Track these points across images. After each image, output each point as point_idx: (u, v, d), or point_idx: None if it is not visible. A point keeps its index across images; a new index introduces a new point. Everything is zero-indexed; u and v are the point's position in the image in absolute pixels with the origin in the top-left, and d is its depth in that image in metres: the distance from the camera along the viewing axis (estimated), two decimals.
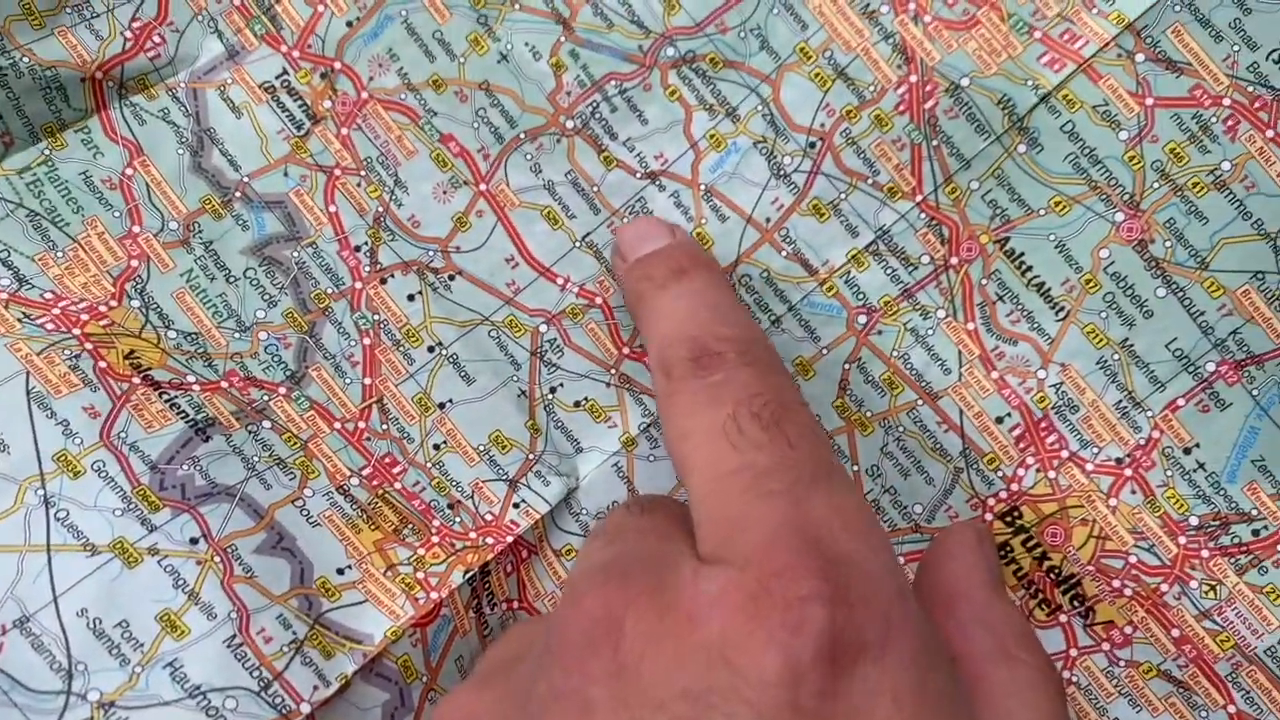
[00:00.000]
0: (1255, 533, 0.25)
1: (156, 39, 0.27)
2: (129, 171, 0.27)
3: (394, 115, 0.28)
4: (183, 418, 0.25)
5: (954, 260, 0.27)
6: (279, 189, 0.28)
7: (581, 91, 0.28)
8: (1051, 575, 0.26)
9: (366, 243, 0.28)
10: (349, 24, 0.28)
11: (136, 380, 0.25)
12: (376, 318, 0.28)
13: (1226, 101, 0.25)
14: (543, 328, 0.28)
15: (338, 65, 0.28)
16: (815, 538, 0.20)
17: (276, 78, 0.28)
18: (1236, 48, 0.25)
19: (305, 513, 0.26)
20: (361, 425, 0.27)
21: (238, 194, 0.28)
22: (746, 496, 0.20)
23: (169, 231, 0.27)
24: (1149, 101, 0.26)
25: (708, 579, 0.19)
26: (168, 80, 0.28)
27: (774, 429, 0.21)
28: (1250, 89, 0.25)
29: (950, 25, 0.27)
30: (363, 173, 0.28)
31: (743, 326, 0.24)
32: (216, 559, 0.24)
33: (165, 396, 0.25)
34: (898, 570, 0.20)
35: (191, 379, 0.26)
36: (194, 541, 0.24)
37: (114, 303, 0.27)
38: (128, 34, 0.27)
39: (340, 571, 0.25)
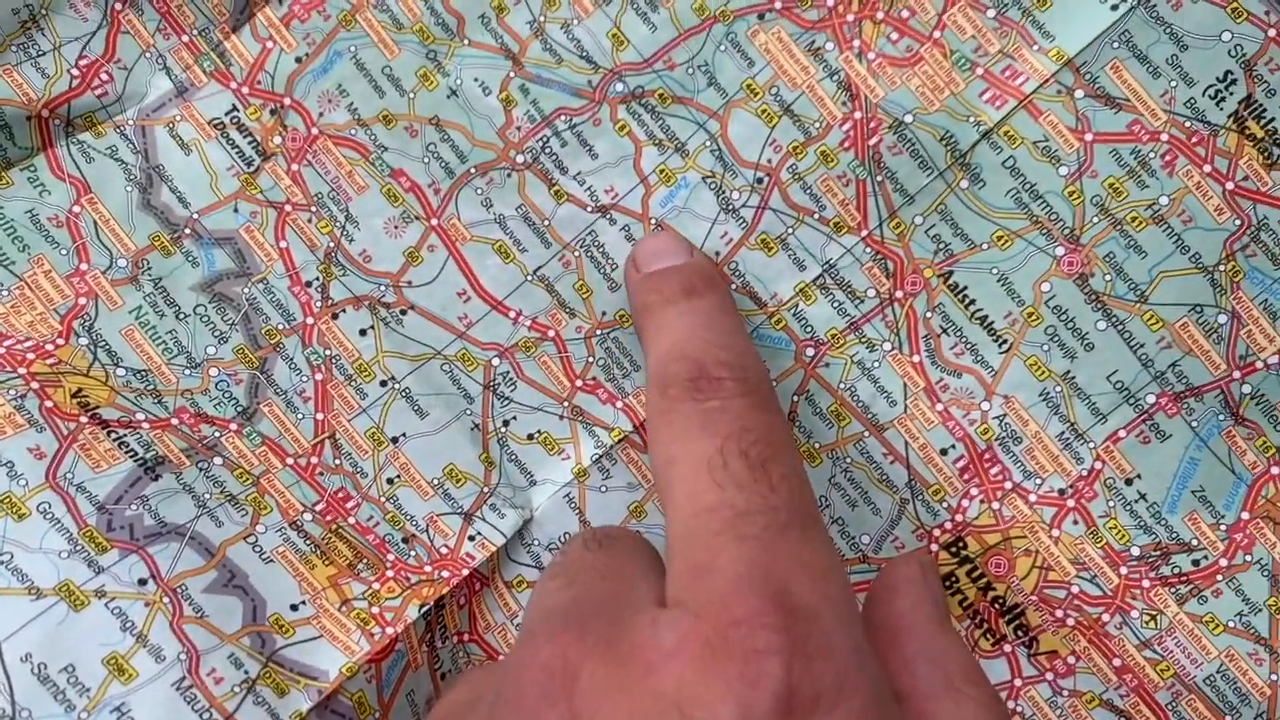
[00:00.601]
0: (1195, 563, 0.26)
1: (104, 76, 0.27)
2: (76, 209, 0.27)
3: (344, 151, 0.28)
4: (131, 456, 0.25)
5: (899, 294, 0.27)
6: (229, 225, 0.28)
7: (531, 126, 0.28)
8: (996, 605, 0.26)
9: (318, 278, 0.28)
10: (298, 60, 0.28)
11: (84, 419, 0.25)
12: (328, 353, 0.28)
13: (1164, 137, 0.26)
14: (495, 361, 0.28)
15: (287, 101, 0.28)
16: (780, 588, 0.20)
17: (226, 114, 0.28)
18: (1174, 83, 0.26)
19: (258, 549, 0.26)
20: (314, 460, 0.27)
21: (187, 230, 0.28)
22: (720, 538, 0.21)
23: (117, 269, 0.27)
24: (1088, 137, 0.26)
25: (667, 626, 0.19)
26: (115, 118, 0.28)
27: (759, 470, 0.22)
28: (1187, 124, 0.26)
29: (894, 62, 0.27)
30: (313, 208, 0.28)
31: (745, 355, 0.24)
32: (165, 600, 0.24)
33: (114, 435, 0.25)
34: (854, 623, 0.20)
35: (141, 416, 0.26)
36: (142, 582, 0.24)
37: (61, 341, 0.26)
38: (74, 71, 0.27)
39: (294, 607, 0.25)
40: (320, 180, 0.28)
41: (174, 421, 0.26)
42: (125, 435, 0.26)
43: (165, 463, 0.26)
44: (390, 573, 0.26)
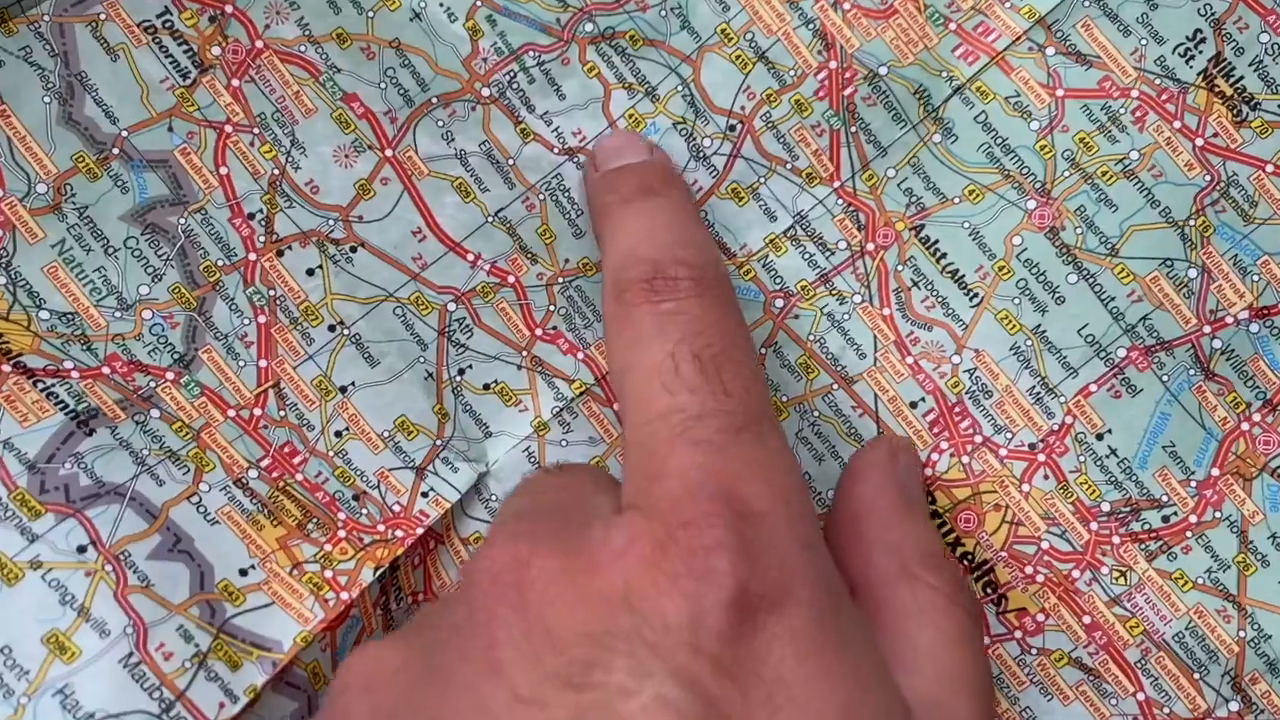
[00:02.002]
0: (1165, 519, 0.27)
1: None
2: None
3: (291, 68, 0.26)
4: (62, 409, 0.23)
5: (870, 246, 0.27)
6: (163, 146, 0.25)
7: (499, 59, 0.26)
8: (965, 561, 0.27)
9: (261, 210, 0.25)
10: None
11: (7, 368, 0.22)
12: (272, 293, 0.25)
13: (1135, 93, 0.26)
14: (451, 306, 0.26)
15: (229, 9, 0.26)
16: (729, 489, 0.20)
17: (158, 17, 0.25)
18: (1144, 41, 0.26)
19: (202, 510, 0.23)
20: (258, 412, 0.25)
21: (115, 150, 0.25)
22: (671, 443, 0.21)
23: (36, 195, 0.24)
24: (1059, 93, 0.26)
25: (618, 528, 0.20)
26: (29, 12, 0.24)
27: (711, 373, 0.22)
28: (1158, 81, 0.26)
29: (869, 13, 0.27)
30: (256, 130, 0.26)
31: (704, 252, 0.24)
32: (108, 568, 0.22)
33: (41, 385, 0.22)
34: (805, 521, 0.21)
35: (69, 365, 0.23)
36: (81, 550, 0.22)
37: None
38: None
39: (243, 573, 0.23)
40: (264, 99, 0.26)
41: (105, 370, 0.24)
42: (54, 385, 0.23)
43: (99, 415, 0.23)
44: (342, 533, 0.24)
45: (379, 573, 0.25)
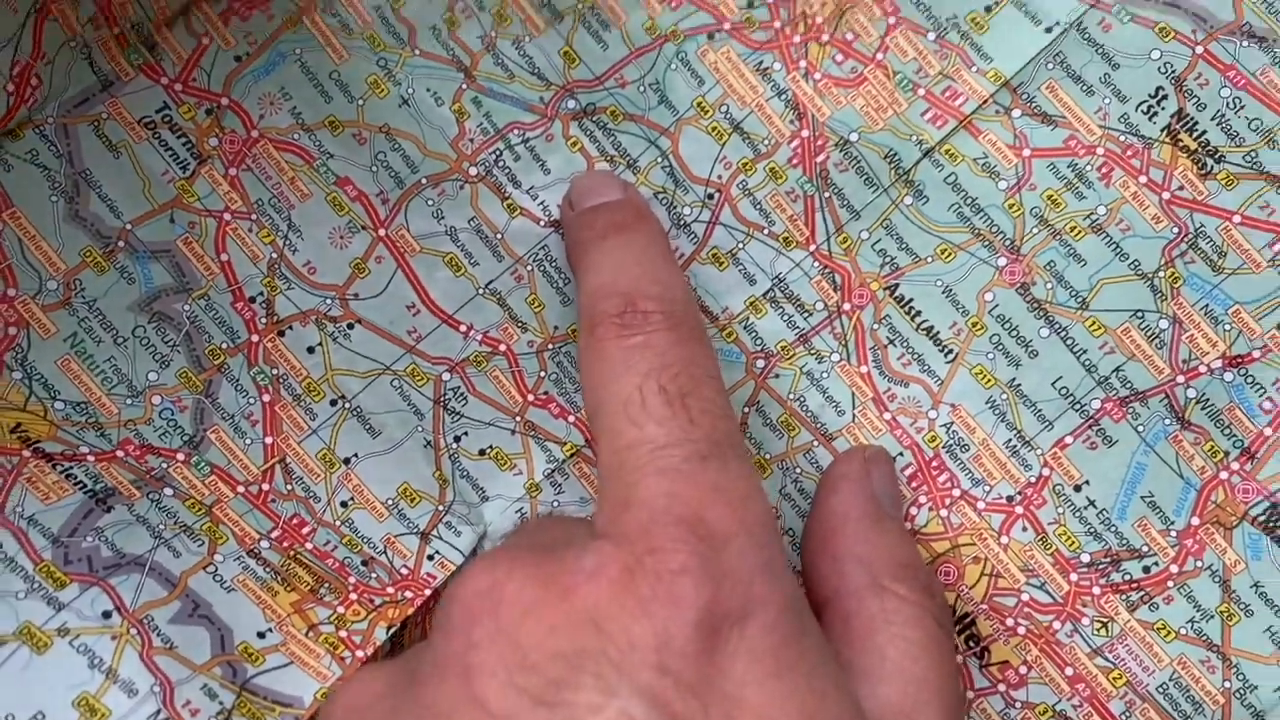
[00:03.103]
0: (1145, 569, 0.27)
1: (34, 81, 0.25)
2: None
3: (286, 156, 0.27)
4: (80, 488, 0.24)
5: (847, 306, 0.28)
6: (165, 237, 0.27)
7: (485, 139, 0.28)
8: (951, 611, 0.27)
9: (262, 293, 0.27)
10: (237, 58, 0.27)
11: (27, 453, 0.24)
12: (275, 372, 0.27)
13: (1100, 150, 0.27)
14: (445, 375, 0.28)
15: (225, 101, 0.27)
16: (695, 515, 0.21)
17: (157, 112, 0.27)
18: (1107, 100, 0.27)
19: (218, 578, 0.25)
20: (265, 487, 0.26)
21: (120, 243, 0.26)
22: (639, 473, 0.22)
23: (48, 292, 0.25)
24: (1026, 153, 0.27)
25: (590, 553, 0.21)
26: (35, 117, 0.26)
27: (678, 404, 0.23)
28: (1122, 138, 0.27)
29: (839, 83, 0.28)
30: (254, 216, 0.27)
31: (673, 288, 0.25)
32: (133, 631, 0.23)
33: (60, 468, 0.24)
34: (768, 544, 0.22)
35: (85, 450, 0.25)
36: (107, 615, 0.23)
37: None
38: (10, 87, 0.24)
39: (261, 635, 0.25)
40: (261, 186, 0.27)
41: (119, 454, 0.25)
42: (72, 467, 0.24)
43: (116, 494, 0.24)
44: (354, 595, 0.26)
45: (391, 631, 0.26)
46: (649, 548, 0.21)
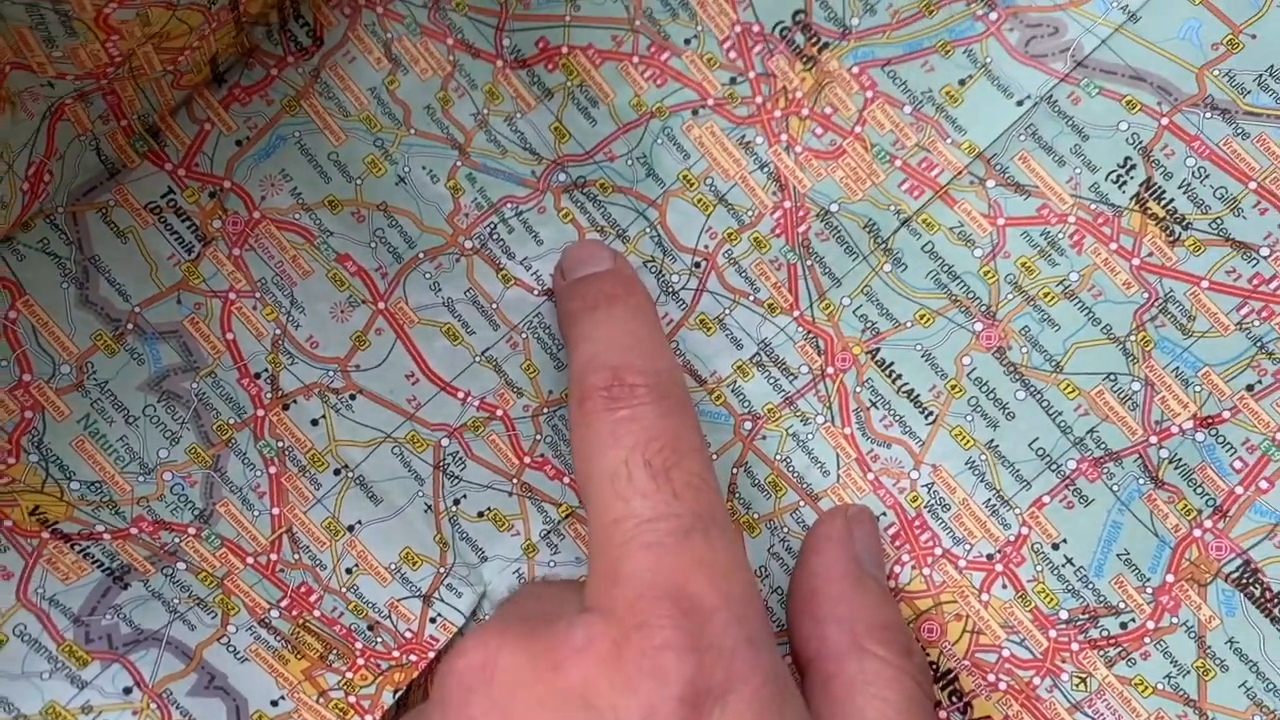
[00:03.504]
0: (1123, 625, 0.28)
1: (47, 177, 0.26)
2: (12, 314, 0.27)
3: (288, 235, 0.28)
4: (98, 566, 0.25)
5: (830, 370, 0.29)
6: (172, 318, 0.28)
7: (479, 213, 0.29)
8: (930, 670, 0.28)
9: (266, 369, 0.28)
10: (238, 143, 0.28)
11: (46, 535, 0.25)
12: (281, 445, 0.28)
13: (1071, 219, 0.28)
14: (445, 441, 0.29)
15: (227, 184, 0.28)
16: (679, 589, 0.22)
17: (162, 197, 0.28)
18: (1078, 170, 0.28)
19: (232, 649, 0.26)
20: (274, 557, 0.27)
21: (130, 326, 0.27)
22: (626, 547, 0.23)
23: (61, 376, 0.27)
24: (1000, 221, 0.28)
25: (579, 627, 0.22)
26: (45, 208, 0.27)
27: (663, 478, 0.24)
28: (1093, 206, 0.28)
29: (819, 155, 0.29)
30: (257, 294, 0.28)
31: (659, 360, 0.26)
32: (153, 706, 0.24)
33: (77, 548, 0.25)
34: (751, 617, 0.23)
35: (100, 528, 0.26)
36: (127, 691, 0.24)
37: (11, 460, 0.26)
38: (25, 185, 0.26)
39: (274, 703, 0.26)
40: (264, 265, 0.28)
41: (133, 531, 0.26)
42: (89, 546, 0.25)
43: (132, 571, 0.26)
44: (361, 660, 0.27)
45: (397, 694, 0.27)
46: (635, 623, 0.22)
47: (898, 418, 0.29)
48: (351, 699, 0.27)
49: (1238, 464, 0.28)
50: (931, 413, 0.29)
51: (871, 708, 0.24)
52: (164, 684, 0.25)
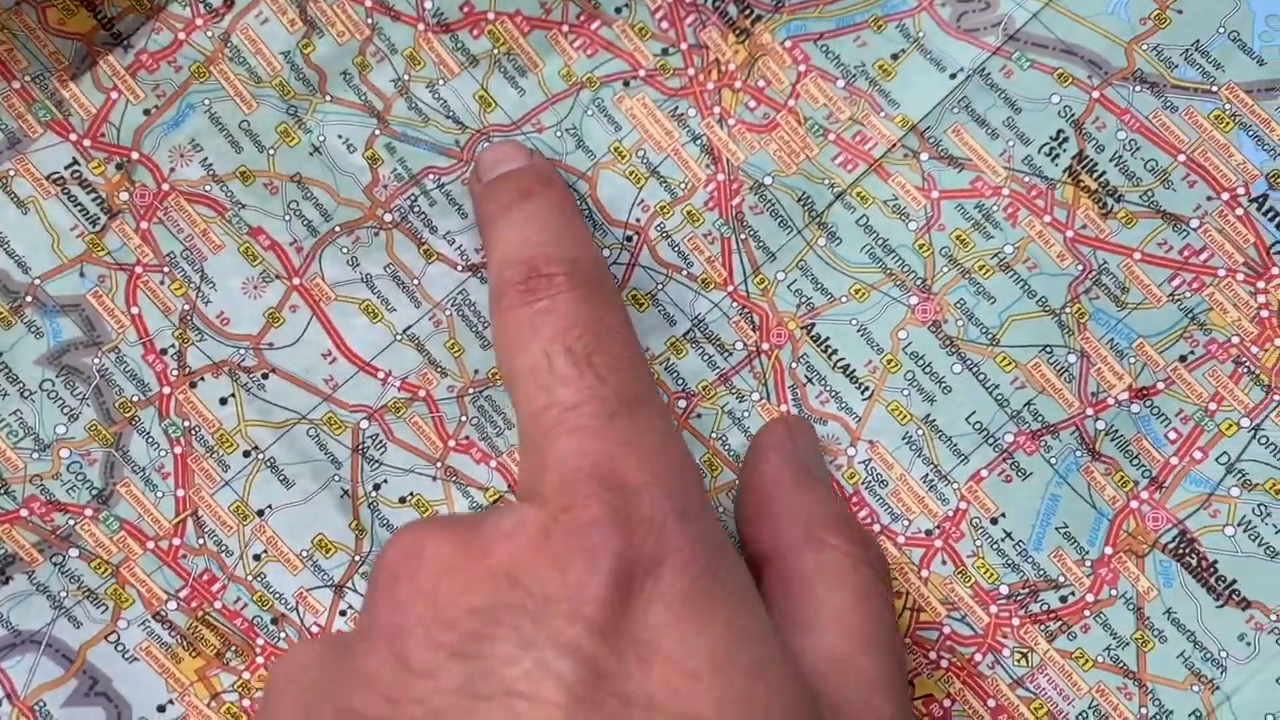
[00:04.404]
0: (1062, 599, 0.28)
1: None
2: None
3: (198, 208, 0.27)
4: None
5: (765, 346, 0.28)
6: (75, 291, 0.26)
7: (399, 185, 0.28)
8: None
9: (174, 345, 0.27)
10: (146, 112, 0.27)
11: None
12: (187, 424, 0.26)
13: (1005, 191, 0.28)
14: (364, 423, 0.27)
15: (135, 155, 0.27)
16: (606, 469, 0.22)
17: (66, 168, 0.26)
18: (1011, 143, 0.28)
19: (120, 648, 0.24)
20: (176, 542, 0.26)
21: (28, 299, 0.26)
22: (552, 434, 0.23)
23: None
24: (934, 194, 0.28)
25: (506, 516, 0.22)
26: None
27: (584, 363, 0.23)
28: (1026, 179, 0.28)
29: (752, 128, 0.28)
30: (166, 269, 0.27)
31: (578, 248, 0.26)
32: None
33: None
34: (683, 490, 0.22)
35: None
36: None
37: None
38: None
39: (161, 709, 0.24)
40: (173, 239, 0.27)
41: (23, 513, 0.24)
42: None
43: (16, 562, 0.24)
44: (260, 659, 0.25)
45: None
46: (563, 505, 0.21)
47: (834, 394, 0.29)
48: (245, 702, 0.25)
49: (1172, 434, 0.28)
50: (868, 388, 0.28)
51: (831, 597, 0.24)
52: (37, 694, 0.23)
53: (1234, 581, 0.27)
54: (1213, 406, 0.28)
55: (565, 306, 0.24)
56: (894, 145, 0.29)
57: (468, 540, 0.21)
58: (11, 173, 0.26)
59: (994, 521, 0.28)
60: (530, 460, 0.23)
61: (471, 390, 0.28)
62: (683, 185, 0.29)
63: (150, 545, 0.26)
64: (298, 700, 0.21)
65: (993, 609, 0.28)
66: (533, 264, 0.25)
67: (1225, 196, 0.28)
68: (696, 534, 0.22)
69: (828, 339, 0.29)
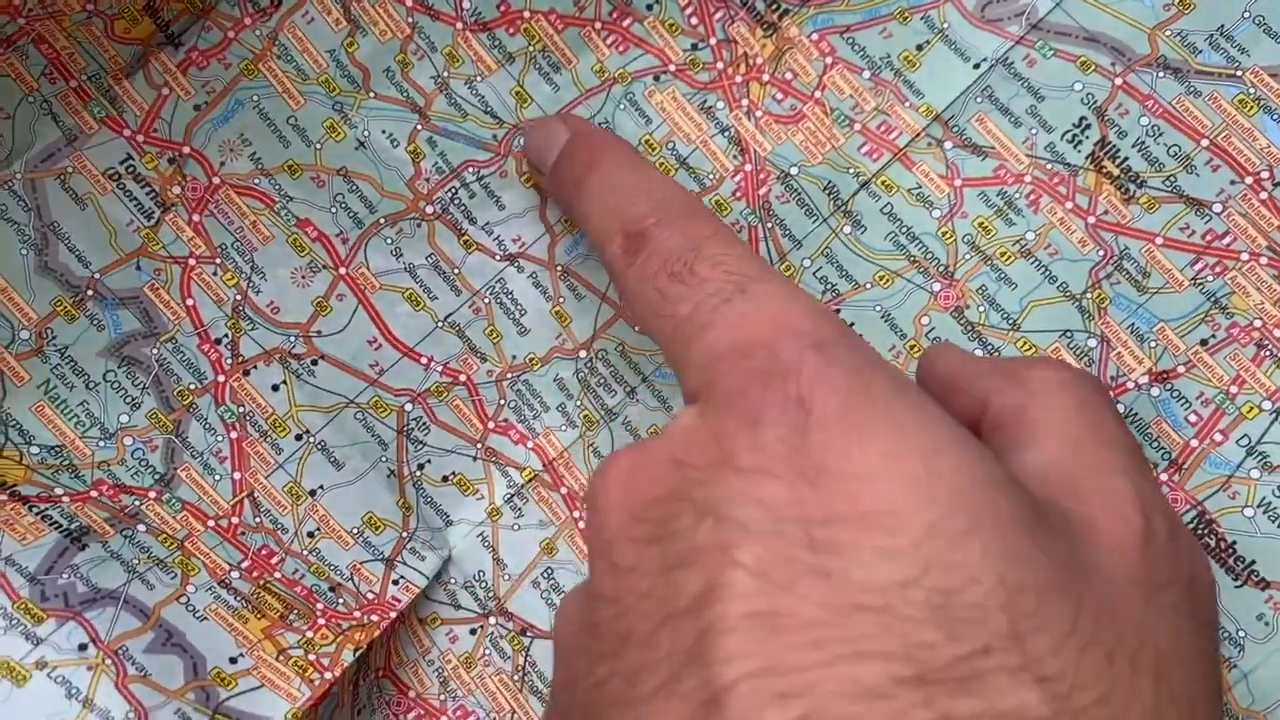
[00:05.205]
0: None
1: None
2: None
3: (248, 200, 0.28)
4: (56, 528, 0.25)
5: None
6: (132, 284, 0.28)
7: (440, 178, 0.29)
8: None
9: (227, 335, 0.28)
10: (196, 108, 0.28)
11: (3, 497, 0.25)
12: (241, 410, 0.28)
13: (1028, 179, 0.29)
14: (408, 407, 0.29)
15: (186, 150, 0.28)
16: (737, 343, 0.22)
17: (121, 163, 0.28)
18: (1034, 131, 0.29)
19: (191, 608, 0.26)
20: (235, 521, 0.27)
21: (89, 292, 0.27)
22: (684, 346, 0.23)
23: (20, 342, 0.27)
24: (957, 183, 0.29)
25: (671, 422, 0.22)
26: (1, 174, 0.27)
27: (688, 276, 0.24)
28: (1049, 166, 0.29)
29: (779, 119, 0.29)
30: (218, 260, 0.28)
31: (650, 194, 0.26)
32: (108, 662, 0.24)
33: (35, 510, 0.25)
34: (814, 327, 0.22)
35: (60, 491, 0.26)
36: (83, 648, 0.24)
37: None
38: None
39: (233, 660, 0.26)
40: (224, 230, 0.28)
41: (93, 494, 0.26)
42: (47, 509, 0.25)
43: (90, 532, 0.26)
44: (322, 620, 0.27)
45: (358, 653, 0.27)
46: (707, 389, 0.22)
47: None
48: (311, 657, 0.27)
49: (1192, 418, 0.28)
50: None
51: (1043, 414, 0.22)
52: (120, 640, 0.25)
53: (1253, 562, 0.28)
54: (1234, 390, 0.28)
55: (662, 245, 0.25)
56: (918, 134, 0.29)
57: (639, 452, 0.22)
58: (70, 169, 0.28)
59: None
60: (681, 381, 0.23)
61: (510, 375, 0.30)
62: (711, 176, 0.30)
63: (211, 524, 0.28)
64: (570, 643, 0.22)
65: None
66: (623, 231, 0.25)
67: (1249, 180, 0.28)
68: (838, 358, 0.21)
69: (853, 324, 0.30)
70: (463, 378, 0.29)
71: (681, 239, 0.25)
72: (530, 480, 0.29)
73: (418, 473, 0.29)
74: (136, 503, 0.27)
